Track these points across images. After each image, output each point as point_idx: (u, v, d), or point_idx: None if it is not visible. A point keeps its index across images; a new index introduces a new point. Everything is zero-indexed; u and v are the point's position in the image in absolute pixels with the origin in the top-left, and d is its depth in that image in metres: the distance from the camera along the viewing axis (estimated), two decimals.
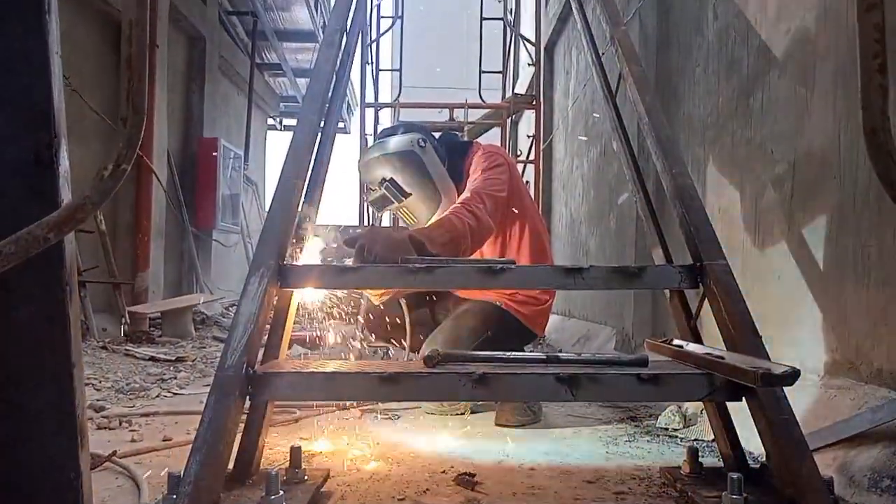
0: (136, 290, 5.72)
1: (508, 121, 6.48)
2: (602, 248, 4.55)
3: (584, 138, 5.16)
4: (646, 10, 3.47)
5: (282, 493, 1.21)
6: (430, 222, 2.20)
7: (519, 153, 8.03)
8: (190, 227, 6.95)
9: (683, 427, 2.24)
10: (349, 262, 1.91)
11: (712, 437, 1.71)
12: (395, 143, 2.16)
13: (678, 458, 1.72)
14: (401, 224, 1.97)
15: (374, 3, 6.78)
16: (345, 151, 9.54)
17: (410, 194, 2.17)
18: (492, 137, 6.85)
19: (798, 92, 2.10)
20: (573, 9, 2.96)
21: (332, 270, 1.69)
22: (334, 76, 2.51)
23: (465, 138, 6.02)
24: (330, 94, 2.44)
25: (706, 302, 1.58)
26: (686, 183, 1.91)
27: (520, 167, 6.97)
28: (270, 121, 11.42)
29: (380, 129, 6.23)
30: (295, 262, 1.69)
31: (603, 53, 2.82)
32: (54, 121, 0.94)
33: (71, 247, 0.88)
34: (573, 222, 5.63)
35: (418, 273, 1.63)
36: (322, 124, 2.22)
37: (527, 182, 7.49)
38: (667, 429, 2.25)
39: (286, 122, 11.89)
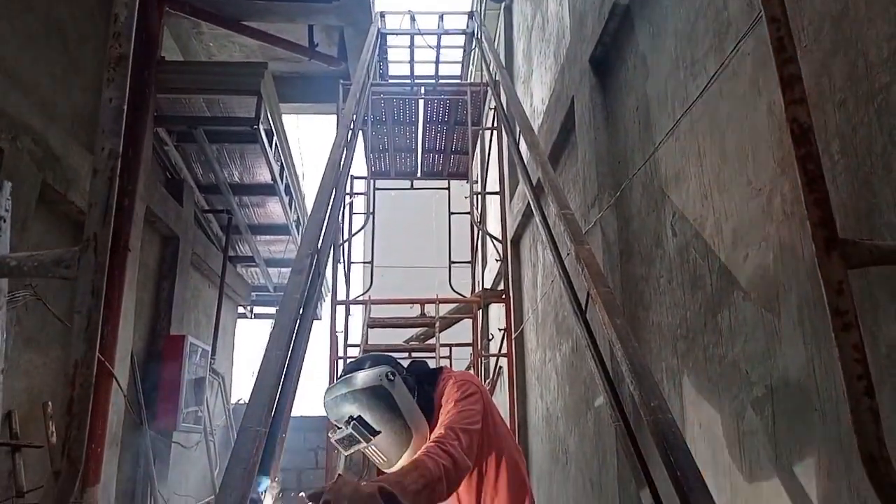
0: None
1: (479, 313, 6.50)
2: (582, 449, 4.36)
3: (554, 333, 5.17)
4: (606, 220, 3.62)
5: None
6: (401, 461, 2.07)
7: (491, 337, 8.01)
8: (149, 429, 6.58)
9: None
10: None
11: None
12: (362, 378, 2.08)
13: None
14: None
15: (347, 201, 7.05)
16: (315, 338, 9.44)
17: (379, 432, 2.06)
18: (463, 327, 6.86)
19: (765, 316, 2.12)
20: (541, 231, 3.07)
21: None
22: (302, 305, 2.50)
23: (438, 332, 6.01)
24: (297, 323, 2.41)
25: None
26: (667, 419, 1.84)
27: (492, 360, 6.91)
28: (241, 309, 11.37)
29: (348, 357, 6.16)
30: None
31: (568, 254, 2.88)
32: None
33: None
34: (550, 416, 5.46)
35: None
36: (287, 362, 2.17)
37: (500, 368, 7.40)
38: None
39: (257, 310, 11.85)
